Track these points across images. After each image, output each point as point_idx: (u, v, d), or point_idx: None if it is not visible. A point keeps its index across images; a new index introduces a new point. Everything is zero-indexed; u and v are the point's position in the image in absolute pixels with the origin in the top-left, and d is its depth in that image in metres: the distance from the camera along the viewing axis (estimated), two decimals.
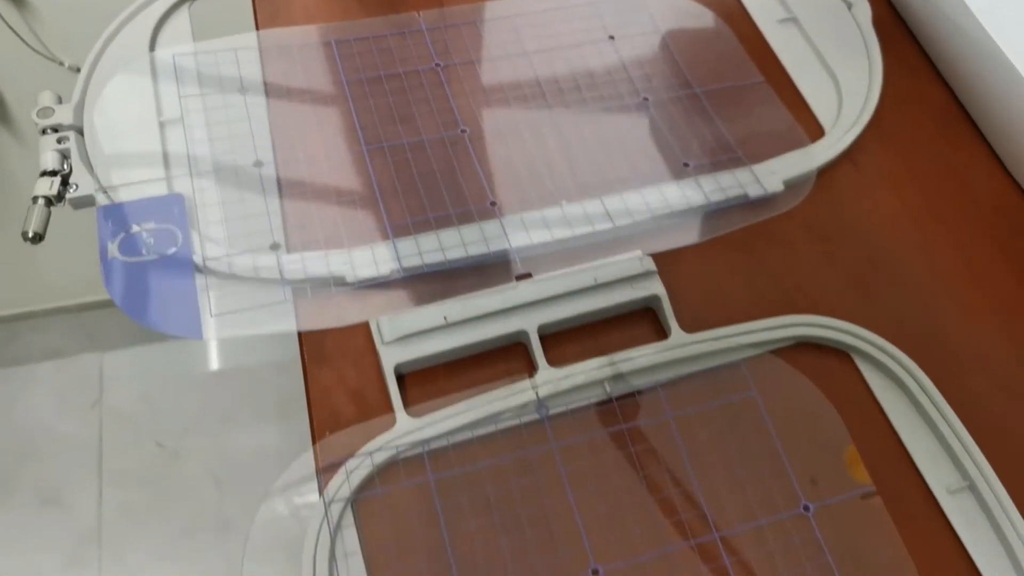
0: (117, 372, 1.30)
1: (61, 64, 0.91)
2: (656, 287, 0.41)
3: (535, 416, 0.38)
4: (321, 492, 0.35)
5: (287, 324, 0.39)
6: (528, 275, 0.41)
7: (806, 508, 0.37)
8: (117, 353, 1.31)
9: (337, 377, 0.39)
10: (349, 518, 0.35)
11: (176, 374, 1.31)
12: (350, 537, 0.35)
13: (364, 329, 0.40)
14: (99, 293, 1.23)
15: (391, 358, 0.38)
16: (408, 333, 0.39)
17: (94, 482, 1.22)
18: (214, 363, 1.32)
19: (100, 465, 1.23)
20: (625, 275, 0.41)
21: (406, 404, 0.38)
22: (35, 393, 1.28)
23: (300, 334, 0.40)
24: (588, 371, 0.39)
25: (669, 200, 0.44)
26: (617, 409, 0.39)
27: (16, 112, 0.97)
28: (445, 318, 0.39)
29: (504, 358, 0.40)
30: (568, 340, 0.41)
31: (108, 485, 1.22)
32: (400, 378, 0.39)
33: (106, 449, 1.25)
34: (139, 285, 0.39)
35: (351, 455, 0.36)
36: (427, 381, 0.39)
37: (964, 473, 0.38)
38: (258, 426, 1.26)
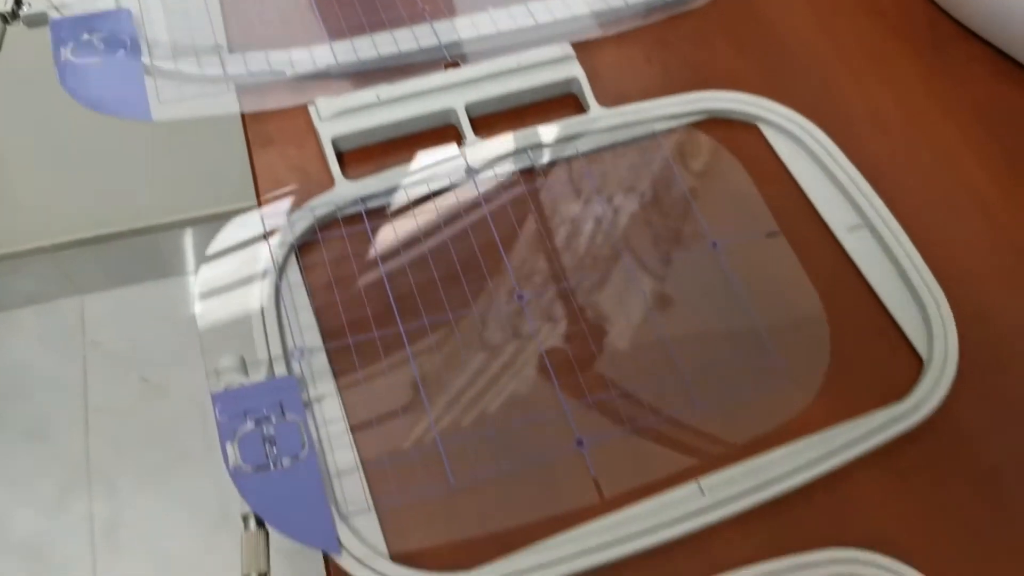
0: (99, 313, 1.32)
1: None
2: (575, 69, 0.44)
3: (465, 178, 0.41)
4: (266, 239, 0.38)
5: (230, 107, 0.42)
6: (456, 64, 0.44)
7: (714, 245, 0.41)
8: (98, 295, 1.33)
9: (280, 156, 0.42)
10: (293, 263, 0.38)
11: (158, 314, 1.34)
12: (294, 276, 0.38)
13: (304, 116, 0.43)
14: (76, 232, 1.25)
15: (328, 131, 0.41)
16: (343, 109, 0.42)
17: (80, 417, 1.24)
18: (195, 304, 1.34)
19: (86, 401, 1.26)
20: (546, 59, 0.44)
21: (345, 175, 0.41)
22: (17, 336, 1.30)
23: (244, 119, 0.42)
24: (513, 140, 0.42)
25: (589, 2, 0.47)
26: (540, 172, 0.42)
27: None
28: (378, 96, 0.42)
29: (435, 139, 0.43)
30: (495, 122, 0.44)
31: (94, 419, 1.24)
32: (340, 156, 0.42)
33: (91, 386, 1.27)
34: (92, 79, 0.42)
35: (294, 210, 0.39)
36: (364, 158, 0.42)
37: (861, 213, 0.42)
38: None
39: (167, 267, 1.35)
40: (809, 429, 0.36)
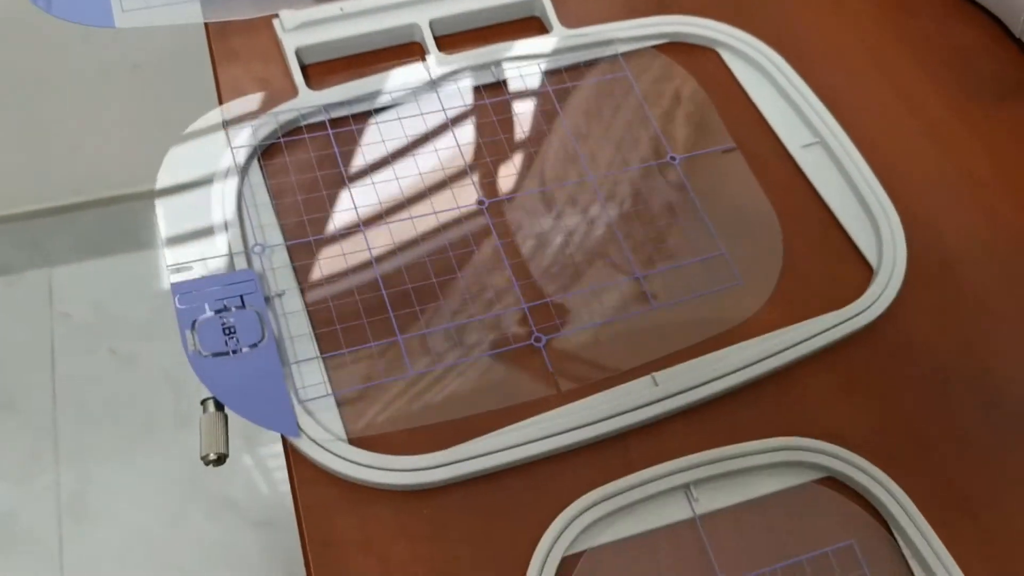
0: (67, 284, 1.31)
1: None
2: None
3: (428, 92, 0.42)
4: (228, 143, 0.38)
5: (194, 16, 0.42)
6: None
7: (672, 159, 0.42)
8: (66, 267, 1.32)
9: (244, 70, 0.42)
10: (255, 168, 0.39)
11: (127, 286, 1.33)
12: (256, 178, 0.38)
13: (269, 32, 0.43)
14: (44, 201, 1.24)
15: (292, 43, 0.42)
16: (308, 21, 0.42)
17: (47, 387, 1.23)
18: (166, 277, 1.33)
19: (53, 371, 1.24)
20: None
21: (309, 86, 0.41)
22: None
23: (208, 32, 0.43)
24: (476, 55, 0.43)
25: None
26: (504, 85, 0.43)
27: None
28: (342, 8, 0.42)
29: (399, 55, 0.44)
30: (459, 41, 0.44)
31: (61, 390, 1.23)
32: (304, 69, 0.42)
33: (58, 357, 1.26)
34: None
35: (257, 115, 0.39)
36: (328, 71, 0.43)
37: (815, 131, 0.43)
38: None
39: (136, 240, 1.34)
40: (761, 331, 0.37)
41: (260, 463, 1.10)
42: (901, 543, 0.32)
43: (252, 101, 0.40)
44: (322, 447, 0.32)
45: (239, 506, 1.11)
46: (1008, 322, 0.38)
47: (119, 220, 1.30)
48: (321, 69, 0.43)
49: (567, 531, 0.31)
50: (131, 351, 1.26)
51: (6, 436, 1.18)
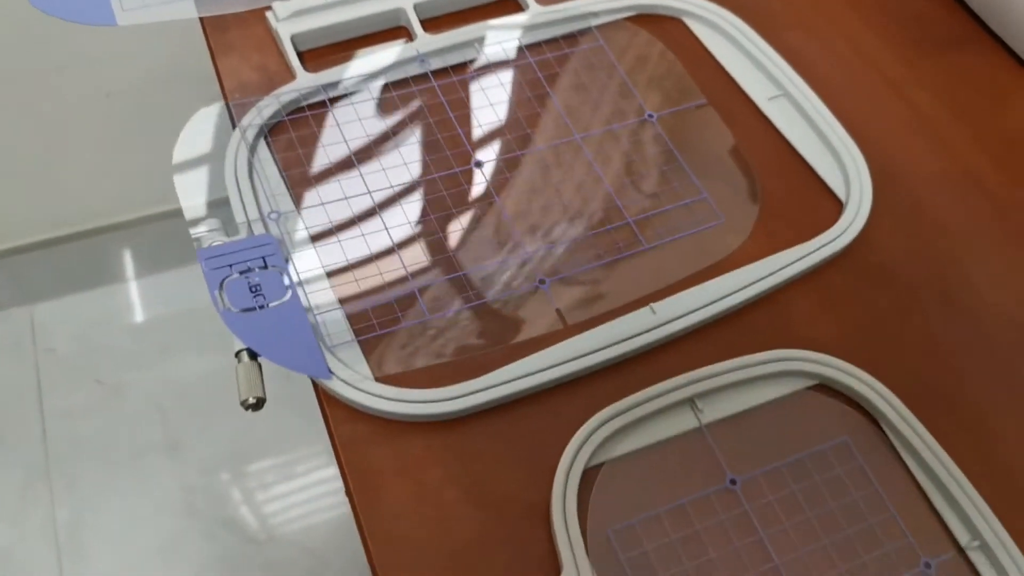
0: (49, 319, 1.31)
1: None
2: None
3: (419, 69, 0.45)
4: (234, 125, 0.41)
5: (188, 11, 0.44)
6: None
7: (650, 116, 0.45)
8: (48, 303, 1.32)
9: (242, 60, 0.45)
10: (263, 146, 0.41)
11: (108, 318, 1.33)
12: (264, 154, 0.41)
13: (262, 24, 0.46)
14: (23, 237, 1.25)
15: (287, 30, 0.44)
16: (299, 10, 0.45)
17: (37, 422, 1.23)
18: (147, 307, 1.34)
19: (41, 406, 1.24)
20: None
21: (305, 69, 0.44)
22: None
23: (204, 27, 0.45)
24: (460, 34, 0.46)
25: None
26: (486, 62, 0.46)
27: None
28: None
29: (388, 38, 0.46)
30: (442, 23, 0.47)
31: (51, 423, 1.23)
32: (300, 56, 0.45)
33: (45, 391, 1.26)
34: None
35: (260, 98, 0.42)
36: (322, 55, 0.45)
37: (779, 85, 0.46)
38: (196, 356, 1.29)
39: (115, 271, 1.34)
40: (746, 262, 0.40)
41: (253, 482, 1.10)
42: (891, 435, 0.35)
43: (254, 86, 0.43)
44: (352, 386, 0.34)
45: (236, 525, 1.11)
46: (965, 238, 0.42)
47: (98, 252, 1.31)
48: (315, 55, 0.45)
49: (586, 445, 0.33)
50: (118, 381, 1.27)
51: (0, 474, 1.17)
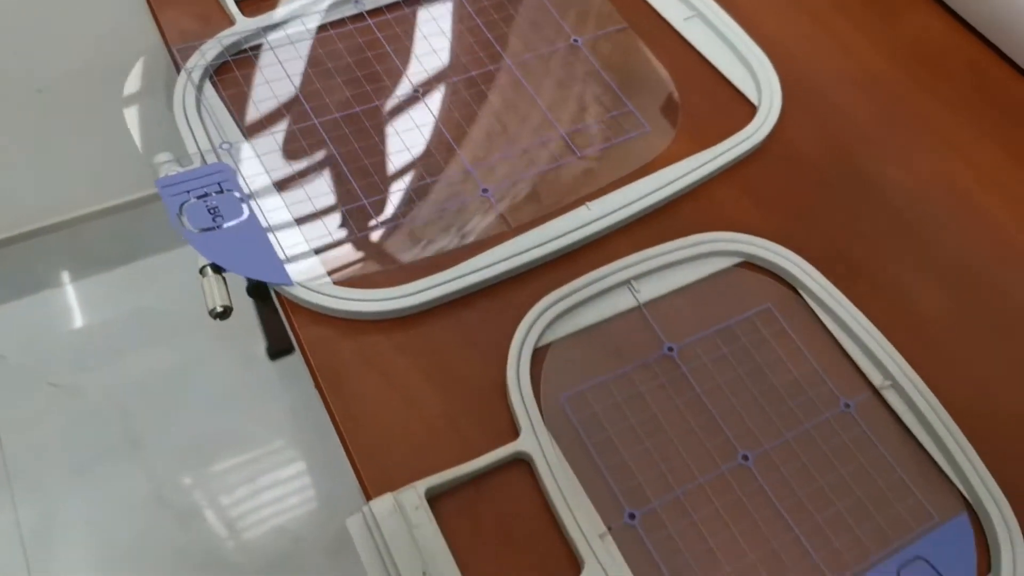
0: None
1: None
2: None
3: (354, 10, 0.47)
4: (179, 69, 0.43)
5: None
6: None
7: (575, 41, 0.48)
8: None
9: (181, 11, 0.46)
10: (208, 87, 0.43)
11: (55, 320, 1.32)
12: (210, 93, 0.42)
13: None
14: None
15: None
16: None
17: None
18: (94, 308, 1.33)
19: None
20: None
21: (243, 14, 0.46)
22: None
23: None
24: None
25: None
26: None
27: None
28: None
29: None
30: None
31: (7, 431, 1.22)
32: (236, 2, 0.47)
33: (1, 399, 1.24)
34: None
35: (203, 42, 0.44)
36: (257, 1, 0.47)
37: (691, 6, 0.50)
38: (150, 350, 1.29)
39: (57, 274, 1.33)
40: (672, 162, 0.43)
41: (221, 469, 1.11)
42: (808, 300, 0.39)
43: (195, 34, 0.45)
44: (313, 290, 0.36)
45: (208, 511, 1.12)
46: (867, 127, 0.46)
47: (39, 255, 1.30)
48: (250, 2, 0.47)
49: (536, 324, 0.36)
50: (72, 382, 1.26)
51: None
